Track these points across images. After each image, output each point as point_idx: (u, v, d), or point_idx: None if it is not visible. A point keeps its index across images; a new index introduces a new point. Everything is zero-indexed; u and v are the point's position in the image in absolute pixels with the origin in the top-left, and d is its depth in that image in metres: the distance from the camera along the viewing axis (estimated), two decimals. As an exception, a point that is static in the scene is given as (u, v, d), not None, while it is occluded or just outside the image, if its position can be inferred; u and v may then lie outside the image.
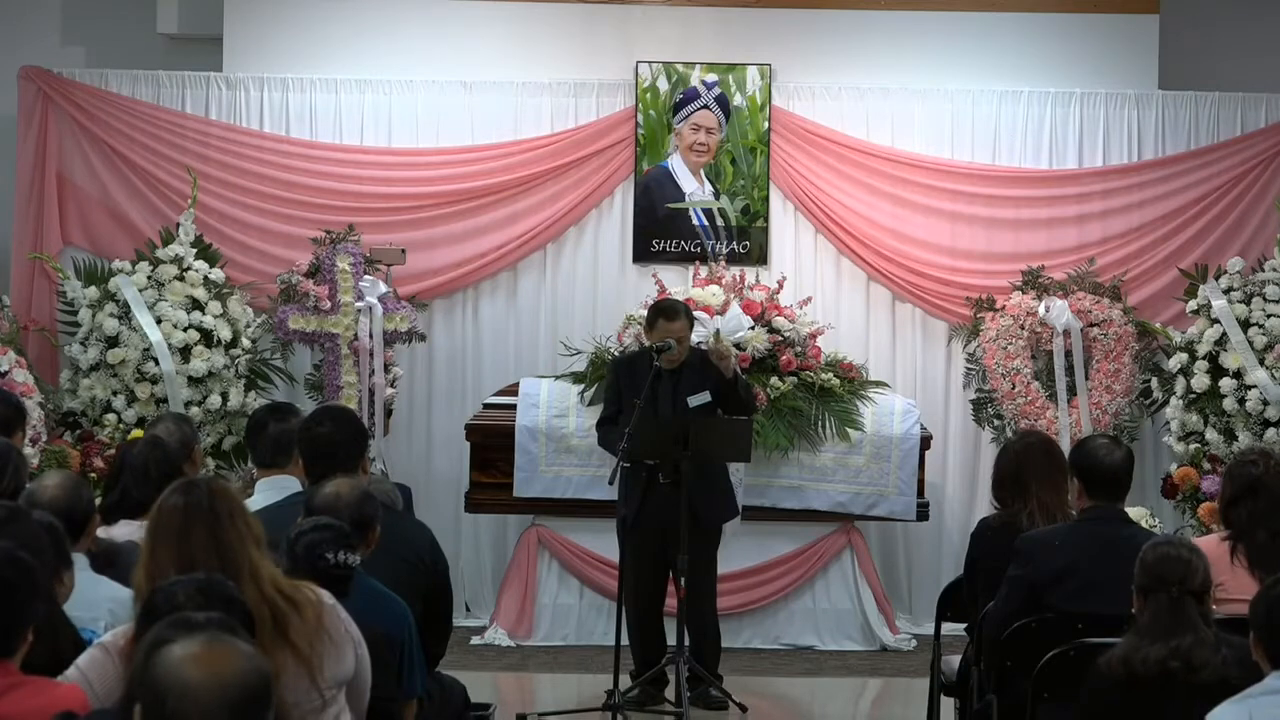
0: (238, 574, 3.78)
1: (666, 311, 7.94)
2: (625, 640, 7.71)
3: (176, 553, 3.81)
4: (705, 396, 7.81)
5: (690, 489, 7.50)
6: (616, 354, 9.16)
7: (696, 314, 9.14)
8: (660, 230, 10.00)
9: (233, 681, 2.71)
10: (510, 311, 10.11)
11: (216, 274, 9.56)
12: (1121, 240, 10.04)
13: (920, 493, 9.27)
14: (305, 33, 10.02)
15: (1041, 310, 9.72)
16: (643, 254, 10.02)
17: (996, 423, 9.79)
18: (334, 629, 4.04)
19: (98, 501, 5.42)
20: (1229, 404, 9.41)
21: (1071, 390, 9.71)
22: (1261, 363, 9.38)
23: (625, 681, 7.68)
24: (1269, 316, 9.47)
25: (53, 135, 9.86)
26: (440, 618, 5.50)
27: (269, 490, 5.78)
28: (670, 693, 7.80)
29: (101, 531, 5.09)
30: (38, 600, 3.70)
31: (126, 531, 5.25)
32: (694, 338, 8.50)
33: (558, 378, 9.44)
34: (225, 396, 9.38)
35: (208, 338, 9.37)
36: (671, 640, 7.75)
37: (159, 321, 9.31)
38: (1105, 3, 10.06)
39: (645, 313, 9.17)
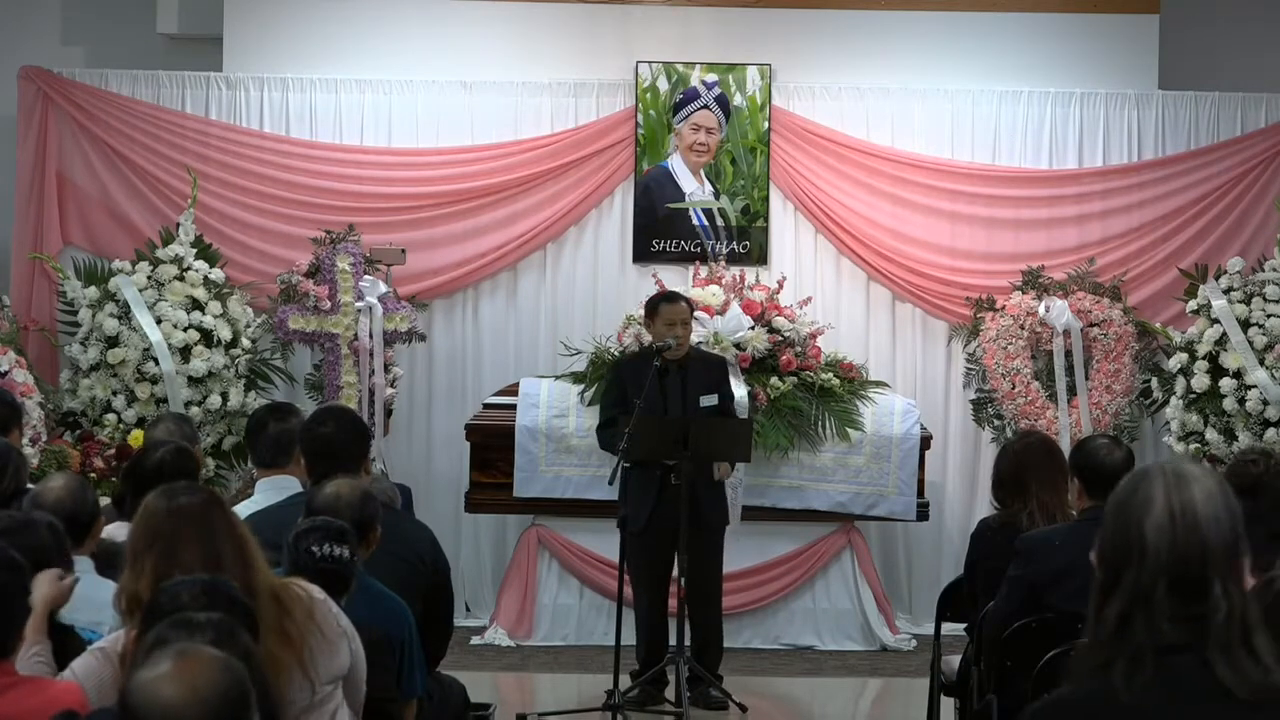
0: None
1: (669, 295, 8.01)
2: (626, 640, 7.71)
3: (162, 556, 3.77)
4: (715, 399, 7.84)
5: (696, 489, 7.52)
6: (616, 356, 9.16)
7: (697, 314, 9.16)
8: (660, 230, 10.00)
9: (210, 693, 2.67)
10: (510, 311, 10.11)
11: (216, 274, 9.57)
12: (1121, 240, 10.04)
13: (920, 493, 9.27)
14: (305, 33, 10.02)
15: (1041, 310, 9.73)
16: (643, 254, 10.02)
17: (996, 423, 9.79)
18: (325, 624, 4.02)
19: (105, 501, 5.43)
20: (1229, 404, 9.41)
21: (1071, 390, 9.71)
22: (1261, 363, 9.38)
23: (625, 681, 7.68)
24: (1269, 316, 9.48)
25: (53, 135, 9.86)
26: (440, 618, 5.50)
27: (269, 490, 5.77)
28: (670, 693, 7.80)
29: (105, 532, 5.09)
30: (29, 601, 3.70)
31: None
32: (694, 338, 8.51)
33: (558, 378, 9.44)
34: (225, 396, 9.38)
35: (208, 338, 9.37)
36: (672, 640, 7.76)
37: (159, 321, 9.31)
38: (1105, 3, 10.06)
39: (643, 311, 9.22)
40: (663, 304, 7.94)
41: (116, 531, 5.22)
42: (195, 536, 3.80)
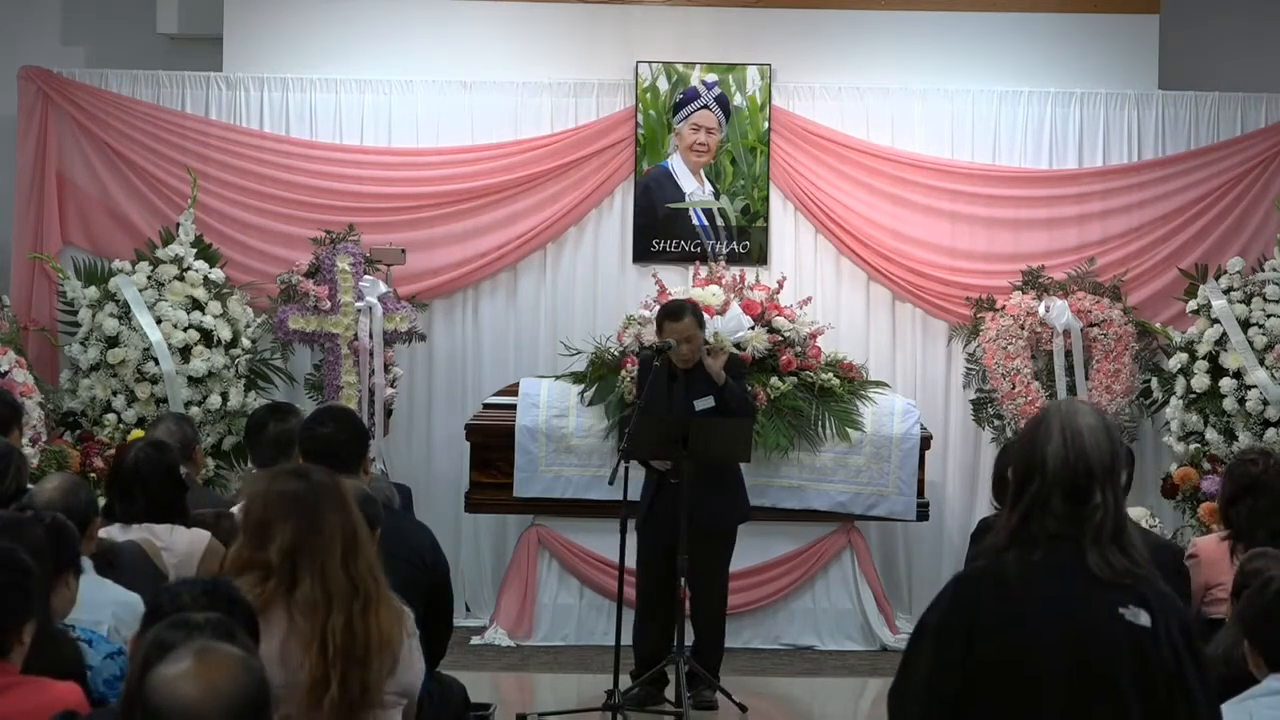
0: (355, 555, 3.93)
1: (672, 313, 7.95)
2: (625, 640, 7.71)
3: (305, 524, 3.92)
4: (710, 401, 7.82)
5: (694, 490, 7.51)
6: (614, 354, 9.18)
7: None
8: (660, 230, 10.00)
9: (231, 690, 2.67)
10: (510, 311, 10.11)
11: (216, 274, 9.57)
12: (1121, 240, 10.04)
13: (920, 493, 9.27)
14: (305, 33, 10.02)
15: (1041, 310, 9.72)
16: (643, 254, 10.01)
17: (996, 423, 9.79)
18: (413, 639, 4.14)
19: (103, 503, 5.41)
20: (1229, 404, 9.41)
21: (1071, 390, 9.70)
22: (1261, 363, 9.38)
23: (625, 681, 7.67)
24: (1269, 316, 9.48)
25: (53, 135, 9.86)
26: (441, 618, 5.50)
27: (269, 490, 5.76)
28: (670, 692, 7.80)
29: (103, 532, 5.08)
30: (31, 600, 3.69)
31: (130, 534, 5.25)
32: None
33: (558, 378, 9.44)
34: (225, 396, 9.38)
35: (208, 338, 9.37)
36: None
37: (159, 321, 9.31)
38: (1105, 3, 10.06)
39: (645, 313, 9.24)
40: (666, 322, 7.88)
41: (115, 533, 5.23)
42: (335, 507, 3.95)
